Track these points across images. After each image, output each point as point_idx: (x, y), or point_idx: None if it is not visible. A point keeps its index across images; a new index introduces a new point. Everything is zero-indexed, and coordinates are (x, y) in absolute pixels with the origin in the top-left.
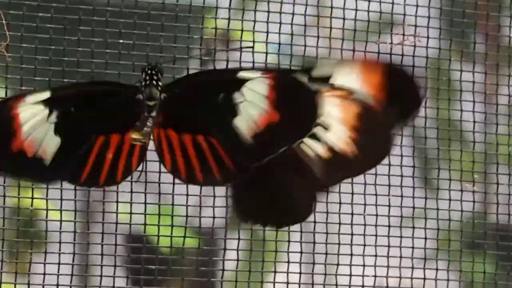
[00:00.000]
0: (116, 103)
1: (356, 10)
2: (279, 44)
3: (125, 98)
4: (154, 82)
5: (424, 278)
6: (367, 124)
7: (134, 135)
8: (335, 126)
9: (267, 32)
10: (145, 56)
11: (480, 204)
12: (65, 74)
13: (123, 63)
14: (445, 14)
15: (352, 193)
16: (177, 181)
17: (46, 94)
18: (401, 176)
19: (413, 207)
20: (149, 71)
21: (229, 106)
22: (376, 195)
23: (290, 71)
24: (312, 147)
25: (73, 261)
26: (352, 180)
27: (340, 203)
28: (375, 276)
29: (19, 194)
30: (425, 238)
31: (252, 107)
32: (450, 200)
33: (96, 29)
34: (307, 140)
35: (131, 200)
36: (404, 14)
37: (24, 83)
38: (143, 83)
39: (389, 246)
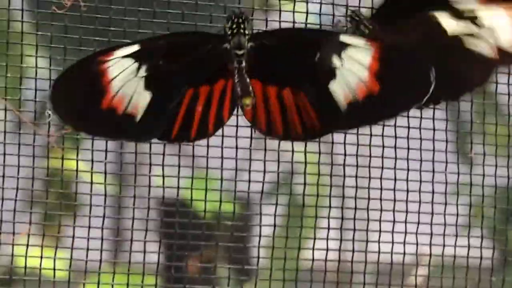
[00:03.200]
0: (204, 53)
1: None
2: (321, 3)
3: (213, 48)
4: (242, 30)
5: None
6: None
7: (247, 101)
8: (503, 31)
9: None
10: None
11: None
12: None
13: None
14: None
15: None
16: (211, 143)
17: (135, 47)
18: (433, 150)
19: (446, 182)
20: (235, 19)
21: (325, 67)
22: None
23: (397, 45)
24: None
25: (102, 225)
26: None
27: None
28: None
29: (48, 155)
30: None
31: (351, 74)
32: (484, 175)
33: None
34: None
35: (163, 163)
36: None
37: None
38: (230, 32)
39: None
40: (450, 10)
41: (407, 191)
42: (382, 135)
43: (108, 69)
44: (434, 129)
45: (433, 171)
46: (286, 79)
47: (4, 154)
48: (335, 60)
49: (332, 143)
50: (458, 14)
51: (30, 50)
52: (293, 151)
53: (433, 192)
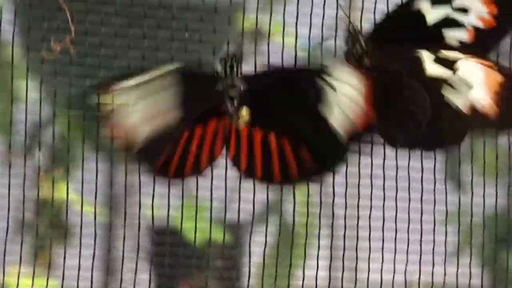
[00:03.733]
0: (198, 93)
1: (388, 4)
2: (309, 38)
3: (207, 89)
4: (235, 71)
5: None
6: (508, 92)
7: (243, 114)
8: (477, 87)
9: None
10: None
11: (503, 199)
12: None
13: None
14: None
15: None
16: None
17: (133, 80)
18: (421, 169)
19: (434, 201)
20: (228, 61)
21: (320, 104)
22: (396, 188)
23: (388, 72)
24: (455, 100)
25: (94, 252)
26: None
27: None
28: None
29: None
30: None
31: (346, 105)
32: (472, 194)
33: (161, 23)
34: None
35: (153, 192)
36: None
37: (89, 76)
38: (224, 73)
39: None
40: (436, 53)
41: (396, 210)
42: (371, 156)
43: (112, 100)
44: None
45: (421, 199)
46: (282, 121)
47: None
48: (330, 94)
49: None
50: (441, 61)
51: (21, 80)
52: None
53: (421, 220)
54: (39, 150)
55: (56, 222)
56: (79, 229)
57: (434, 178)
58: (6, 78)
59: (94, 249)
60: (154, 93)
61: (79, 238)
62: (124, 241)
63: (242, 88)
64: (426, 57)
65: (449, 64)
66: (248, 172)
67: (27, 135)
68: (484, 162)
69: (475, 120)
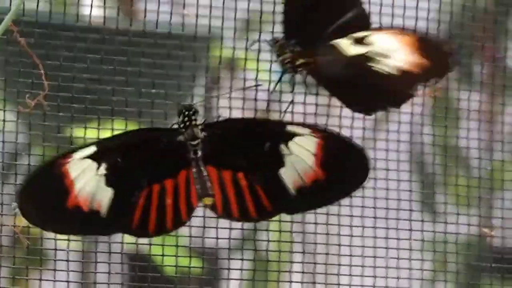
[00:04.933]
0: (160, 148)
1: None
2: (282, 72)
3: (169, 142)
4: (194, 122)
5: None
6: (425, 50)
7: (207, 201)
8: (396, 52)
9: (271, 61)
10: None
11: (476, 227)
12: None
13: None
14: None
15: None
16: None
17: (92, 148)
18: (398, 199)
19: (410, 229)
20: (186, 112)
21: (274, 155)
22: (375, 217)
23: (340, 134)
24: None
25: (68, 280)
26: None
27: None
28: None
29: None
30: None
31: (298, 162)
32: (446, 223)
33: (130, 79)
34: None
35: None
36: None
37: (61, 130)
38: (183, 125)
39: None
40: (348, 38)
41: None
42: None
43: (70, 170)
44: (398, 180)
45: (397, 227)
46: (239, 165)
47: None
48: (283, 148)
49: None
50: (356, 41)
51: None
52: None
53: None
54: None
55: (32, 250)
56: (54, 256)
57: (410, 206)
58: None
59: (68, 275)
60: (117, 155)
61: (54, 265)
62: (95, 268)
63: (202, 136)
64: (343, 44)
65: (365, 41)
66: (226, 214)
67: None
68: (457, 191)
69: (404, 79)
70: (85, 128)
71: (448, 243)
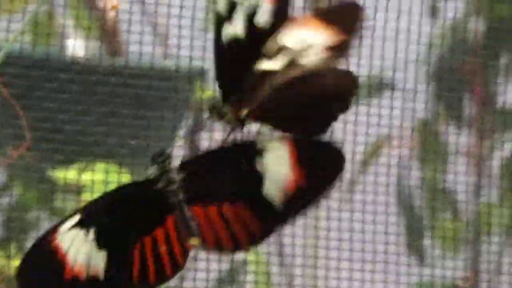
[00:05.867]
0: (141, 200)
1: None
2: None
3: (148, 192)
4: (167, 168)
5: None
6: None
7: (193, 242)
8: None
9: None
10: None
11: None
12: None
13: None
14: (436, 78)
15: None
16: None
17: (76, 217)
18: (386, 243)
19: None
20: (158, 159)
21: (252, 176)
22: (363, 261)
23: (306, 137)
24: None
25: None
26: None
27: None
28: None
29: None
30: None
31: (277, 174)
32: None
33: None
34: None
35: None
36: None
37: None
38: (158, 172)
39: None
40: (264, 57)
41: None
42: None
43: (59, 244)
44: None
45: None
46: (222, 195)
47: None
48: (260, 165)
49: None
50: (272, 53)
51: None
52: None
53: None
54: None
55: None
56: None
57: (398, 249)
58: None
59: None
60: (102, 217)
61: None
62: None
63: (179, 179)
64: (261, 64)
65: (278, 49)
66: (217, 248)
67: None
68: (444, 235)
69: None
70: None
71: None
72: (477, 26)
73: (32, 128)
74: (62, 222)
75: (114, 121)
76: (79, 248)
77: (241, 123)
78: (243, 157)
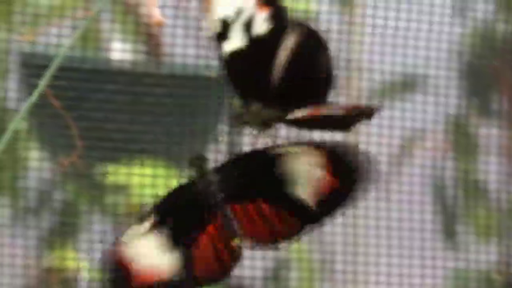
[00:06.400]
0: (190, 202)
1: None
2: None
3: (194, 194)
4: (205, 170)
5: None
6: None
7: (236, 241)
8: None
9: None
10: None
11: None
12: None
13: None
14: (466, 74)
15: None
16: None
17: (140, 224)
18: (422, 230)
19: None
20: (196, 162)
21: (286, 178)
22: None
23: (337, 143)
24: None
25: None
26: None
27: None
28: None
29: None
30: None
31: (308, 178)
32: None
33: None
34: None
35: None
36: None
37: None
38: (197, 175)
39: None
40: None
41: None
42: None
43: (128, 252)
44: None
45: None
46: (257, 196)
47: None
48: (292, 169)
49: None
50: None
51: None
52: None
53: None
54: None
55: None
56: None
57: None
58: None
59: None
60: (163, 224)
61: None
62: None
63: (217, 179)
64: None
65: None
66: (258, 243)
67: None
68: (478, 221)
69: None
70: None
71: (469, 279)
72: (505, 25)
73: (82, 137)
74: (127, 231)
75: (160, 128)
76: (146, 254)
77: (266, 126)
78: (275, 161)
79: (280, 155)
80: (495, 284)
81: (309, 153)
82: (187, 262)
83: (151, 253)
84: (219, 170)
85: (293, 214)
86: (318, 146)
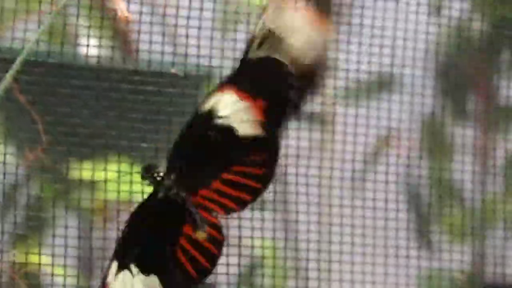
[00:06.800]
0: (159, 211)
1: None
2: None
3: (159, 203)
4: (159, 178)
5: None
6: None
7: (200, 235)
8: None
9: None
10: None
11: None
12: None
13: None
14: (442, 74)
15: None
16: None
17: (114, 264)
18: (396, 229)
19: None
20: (149, 174)
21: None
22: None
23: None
24: None
25: None
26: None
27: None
28: None
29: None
30: None
31: (242, 117)
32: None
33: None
34: None
35: None
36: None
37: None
38: (153, 185)
39: None
40: None
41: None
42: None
43: None
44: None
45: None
46: (216, 170)
47: None
48: (226, 119)
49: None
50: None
51: None
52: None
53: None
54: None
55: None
56: None
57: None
58: None
59: None
60: (134, 246)
61: None
62: None
63: (172, 181)
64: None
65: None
66: (229, 212)
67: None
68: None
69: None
70: (80, 162)
71: (442, 279)
72: (481, 24)
73: (47, 131)
74: (105, 275)
75: (125, 124)
76: (133, 286)
77: None
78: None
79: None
80: (457, 284)
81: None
82: (173, 273)
83: (137, 282)
84: (169, 170)
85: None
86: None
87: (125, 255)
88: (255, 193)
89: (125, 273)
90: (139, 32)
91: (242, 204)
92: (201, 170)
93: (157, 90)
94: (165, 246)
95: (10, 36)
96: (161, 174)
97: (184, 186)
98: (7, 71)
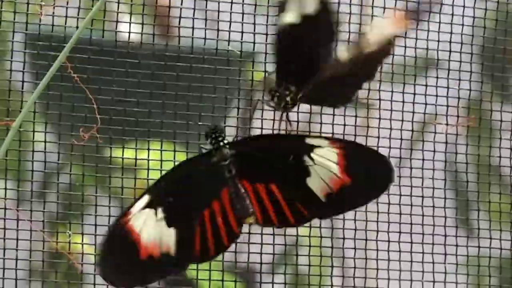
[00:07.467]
0: (199, 174)
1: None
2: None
3: (205, 166)
4: (221, 143)
5: None
6: None
7: (249, 220)
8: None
9: None
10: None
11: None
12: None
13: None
14: (482, 58)
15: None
16: None
17: (146, 197)
18: (445, 217)
19: (456, 245)
20: (213, 135)
21: (300, 166)
22: (412, 233)
23: (357, 143)
24: None
25: None
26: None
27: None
28: None
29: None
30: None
31: (323, 171)
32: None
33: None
34: None
35: None
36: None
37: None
38: (212, 147)
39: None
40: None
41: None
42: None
43: (133, 226)
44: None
45: (433, 243)
46: (270, 178)
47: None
48: (307, 159)
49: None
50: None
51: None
52: None
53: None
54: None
55: (71, 272)
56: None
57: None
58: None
59: None
60: (168, 195)
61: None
62: None
63: (231, 154)
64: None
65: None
66: (266, 222)
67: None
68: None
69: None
70: (123, 148)
71: (481, 266)
72: None
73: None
74: (133, 204)
75: (170, 104)
76: (151, 228)
77: (293, 104)
78: (292, 148)
79: (297, 143)
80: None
81: (327, 147)
82: (190, 237)
83: (155, 227)
84: (235, 145)
85: (301, 203)
86: (337, 141)
87: (158, 197)
88: (291, 223)
89: (150, 212)
90: (182, 17)
91: (273, 223)
92: (259, 166)
93: (201, 68)
94: (194, 208)
95: (49, 23)
96: (224, 141)
97: (238, 166)
98: (47, 58)
